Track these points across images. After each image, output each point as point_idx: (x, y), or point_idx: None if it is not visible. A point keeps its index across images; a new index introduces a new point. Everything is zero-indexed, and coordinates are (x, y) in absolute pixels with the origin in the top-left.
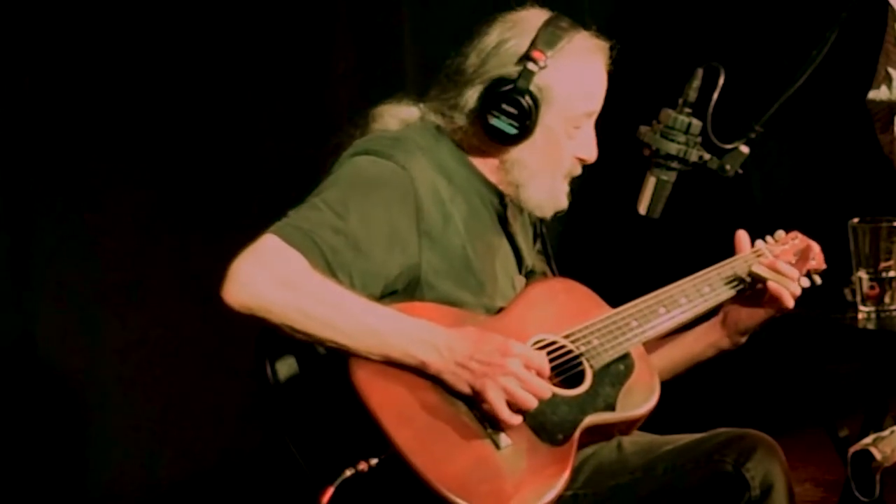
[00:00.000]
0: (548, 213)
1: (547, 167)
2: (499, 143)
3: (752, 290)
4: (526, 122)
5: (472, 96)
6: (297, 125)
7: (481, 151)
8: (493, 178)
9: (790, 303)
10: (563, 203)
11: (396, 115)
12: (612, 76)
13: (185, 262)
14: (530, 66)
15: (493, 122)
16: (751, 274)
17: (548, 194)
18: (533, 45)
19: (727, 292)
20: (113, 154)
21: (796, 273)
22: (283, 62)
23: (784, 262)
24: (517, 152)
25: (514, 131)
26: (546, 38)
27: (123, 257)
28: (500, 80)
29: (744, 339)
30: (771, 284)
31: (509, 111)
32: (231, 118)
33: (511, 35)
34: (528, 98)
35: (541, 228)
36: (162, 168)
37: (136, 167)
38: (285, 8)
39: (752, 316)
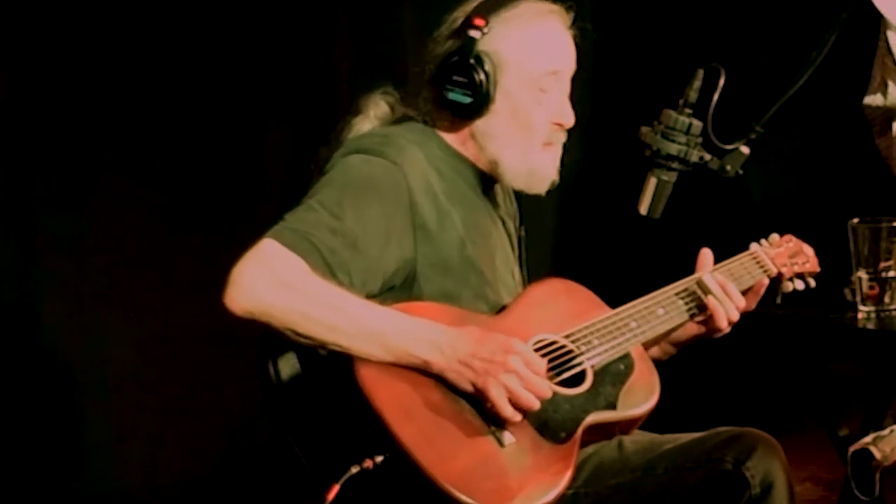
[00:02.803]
0: (535, 186)
1: (518, 135)
2: (463, 117)
3: (698, 306)
4: (479, 88)
5: (428, 78)
6: (300, 124)
7: (457, 135)
8: (478, 164)
9: (723, 324)
10: (549, 173)
11: (379, 113)
12: (614, 77)
13: (189, 260)
14: (472, 32)
15: (450, 96)
16: (699, 283)
17: (523, 164)
18: (473, 13)
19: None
20: (117, 152)
21: (742, 303)
22: (285, 61)
23: (734, 287)
24: (483, 124)
25: (469, 100)
26: (486, 6)
27: (127, 256)
28: (448, 55)
29: (675, 352)
30: (711, 300)
31: (459, 81)
32: (234, 117)
33: (459, 14)
34: (474, 63)
35: (519, 216)
36: (165, 166)
37: (139, 166)
38: (288, 7)
39: (684, 330)
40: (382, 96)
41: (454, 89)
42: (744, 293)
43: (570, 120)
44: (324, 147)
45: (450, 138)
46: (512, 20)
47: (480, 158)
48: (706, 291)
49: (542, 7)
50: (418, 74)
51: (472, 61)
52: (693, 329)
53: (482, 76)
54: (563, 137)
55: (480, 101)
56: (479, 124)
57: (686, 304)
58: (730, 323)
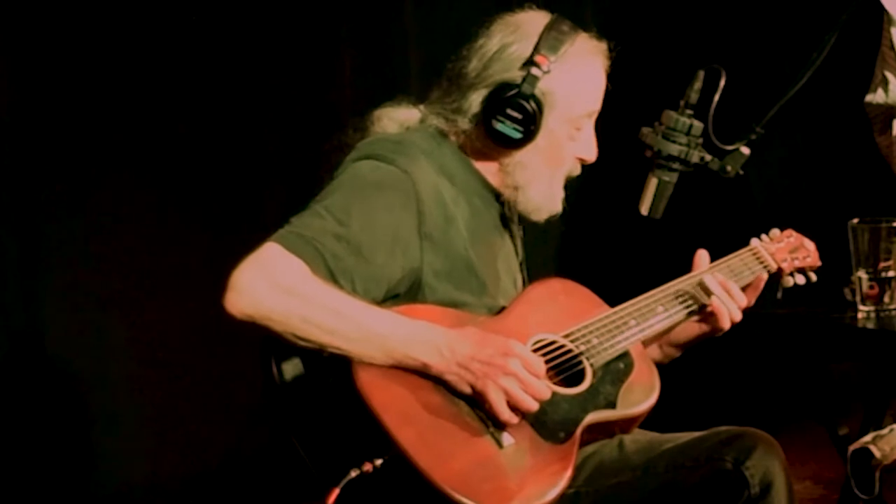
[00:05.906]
0: (543, 216)
1: (548, 169)
2: (503, 147)
3: (698, 305)
4: (531, 126)
5: (475, 100)
6: (303, 127)
7: (483, 154)
8: (492, 181)
9: (726, 324)
10: (558, 206)
11: (396, 118)
12: (615, 78)
13: (192, 262)
14: (535, 71)
15: (498, 126)
16: (700, 283)
17: (546, 196)
18: (536, 49)
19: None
20: (120, 155)
21: (744, 300)
22: (288, 64)
23: (735, 286)
24: (520, 155)
25: (518, 136)
26: (549, 42)
27: (130, 258)
28: (505, 85)
29: (677, 354)
30: (714, 300)
31: (514, 116)
32: (237, 120)
33: (513, 39)
34: (532, 103)
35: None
36: (168, 169)
37: (143, 168)
38: (291, 10)
39: (686, 331)
40: (399, 104)
41: (504, 122)
42: (743, 289)
43: (594, 157)
44: (336, 145)
45: (470, 151)
46: (568, 60)
47: (499, 178)
48: (708, 293)
49: (592, 46)
50: (448, 77)
51: (531, 102)
52: (694, 329)
53: (538, 116)
54: (579, 171)
55: (528, 137)
56: (516, 155)
57: (685, 303)
58: (732, 322)
